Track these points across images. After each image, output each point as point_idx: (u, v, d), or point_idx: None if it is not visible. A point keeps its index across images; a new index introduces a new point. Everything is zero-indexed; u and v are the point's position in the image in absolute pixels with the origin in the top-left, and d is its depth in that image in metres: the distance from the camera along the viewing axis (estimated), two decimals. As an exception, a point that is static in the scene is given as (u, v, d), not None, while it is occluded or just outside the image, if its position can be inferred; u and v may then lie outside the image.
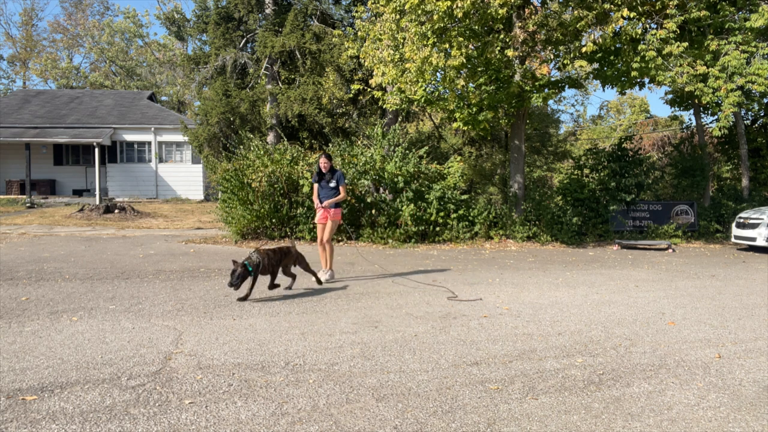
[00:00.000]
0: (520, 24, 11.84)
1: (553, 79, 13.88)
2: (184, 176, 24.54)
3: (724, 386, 3.66)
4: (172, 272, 7.94)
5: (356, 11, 16.42)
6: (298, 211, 12.10)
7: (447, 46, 11.38)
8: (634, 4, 11.29)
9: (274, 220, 12.25)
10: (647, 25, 12.07)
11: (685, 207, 14.96)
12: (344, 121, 22.14)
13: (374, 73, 12.89)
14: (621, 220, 14.33)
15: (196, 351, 4.19)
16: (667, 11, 11.53)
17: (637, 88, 18.40)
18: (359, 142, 14.05)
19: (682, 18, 11.74)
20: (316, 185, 7.65)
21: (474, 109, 12.70)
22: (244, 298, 6.04)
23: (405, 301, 6.23)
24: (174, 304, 5.81)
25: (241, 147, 13.46)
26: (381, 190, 12.70)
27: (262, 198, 12.05)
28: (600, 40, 11.29)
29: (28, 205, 19.82)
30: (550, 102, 25.19)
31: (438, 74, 12.79)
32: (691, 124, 21.42)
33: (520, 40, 11.52)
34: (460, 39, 11.35)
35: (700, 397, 3.48)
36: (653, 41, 11.58)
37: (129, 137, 24.17)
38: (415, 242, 12.42)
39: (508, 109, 13.86)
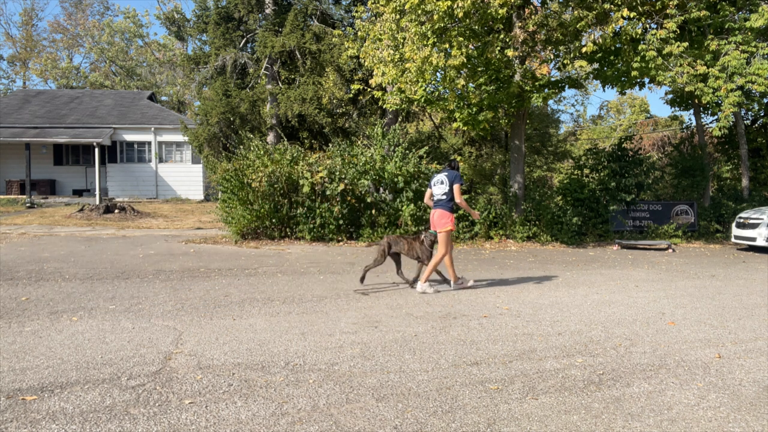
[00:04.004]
0: (520, 24, 11.84)
1: (553, 79, 13.88)
2: (184, 176, 24.54)
3: (724, 386, 3.66)
4: (172, 272, 7.94)
5: (356, 11, 16.42)
6: (298, 211, 12.09)
7: (447, 46, 11.38)
8: (634, 4, 11.29)
9: (274, 220, 12.25)
10: (647, 25, 12.07)
11: (685, 207, 14.97)
12: (344, 121, 22.14)
13: (374, 73, 12.89)
14: (621, 220, 14.33)
15: (196, 351, 4.19)
16: (667, 11, 11.53)
17: (637, 88, 18.45)
18: (359, 142, 14.05)
19: (682, 18, 11.74)
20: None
21: (474, 109, 12.70)
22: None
23: (405, 301, 6.23)
24: (174, 304, 5.81)
25: (241, 147, 13.46)
26: (381, 190, 12.70)
27: (262, 198, 12.05)
28: (600, 40, 11.28)
29: (28, 205, 19.82)
30: (550, 102, 25.23)
31: (438, 74, 12.80)
32: (691, 124, 21.44)
33: (520, 40, 11.52)
34: (460, 39, 11.35)
35: (700, 397, 3.47)
36: (653, 41, 11.58)
37: (129, 137, 24.17)
38: (415, 242, 12.41)
39: (508, 109, 13.86)
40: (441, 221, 6.84)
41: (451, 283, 7.02)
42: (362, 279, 7.04)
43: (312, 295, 6.49)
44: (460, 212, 12.67)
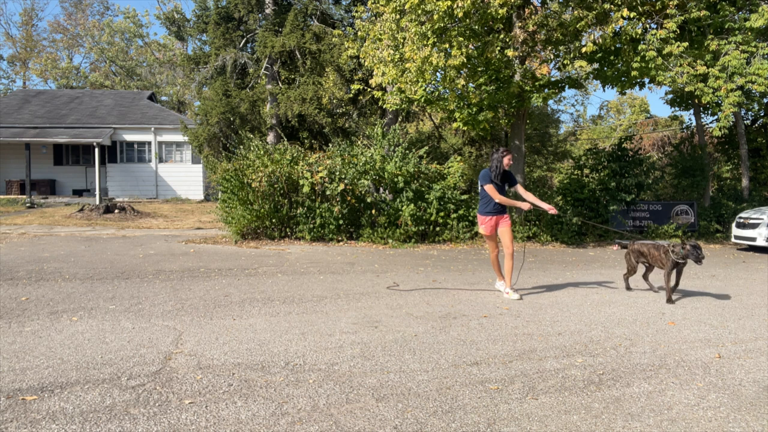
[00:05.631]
0: (520, 24, 11.84)
1: (553, 79, 13.88)
2: (184, 176, 24.54)
3: (724, 386, 3.66)
4: (172, 272, 7.94)
5: (356, 11, 16.43)
6: (298, 211, 12.10)
7: (447, 46, 11.38)
8: (634, 4, 11.29)
9: (274, 220, 12.25)
10: (647, 25, 12.06)
11: (685, 207, 14.97)
12: (344, 121, 22.16)
13: (374, 73, 12.89)
14: (621, 220, 14.33)
15: (196, 351, 4.19)
16: (667, 11, 11.53)
17: (637, 88, 18.43)
18: (359, 142, 14.05)
19: (682, 18, 11.74)
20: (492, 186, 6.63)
21: (474, 109, 12.70)
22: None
23: (405, 301, 6.23)
24: (174, 304, 5.81)
25: (241, 147, 13.46)
26: (381, 190, 12.70)
27: (262, 198, 12.05)
28: (600, 40, 11.28)
29: (28, 205, 19.81)
30: (550, 102, 25.24)
31: (438, 74, 12.80)
32: (691, 124, 21.44)
33: (520, 40, 11.52)
34: (460, 39, 11.35)
35: (700, 397, 3.47)
36: (653, 41, 11.58)
37: (129, 137, 24.17)
38: (415, 242, 12.42)
39: (508, 109, 13.87)
40: None
41: (496, 283, 6.96)
42: (627, 287, 7.21)
43: (312, 295, 6.49)
44: (460, 212, 12.69)
